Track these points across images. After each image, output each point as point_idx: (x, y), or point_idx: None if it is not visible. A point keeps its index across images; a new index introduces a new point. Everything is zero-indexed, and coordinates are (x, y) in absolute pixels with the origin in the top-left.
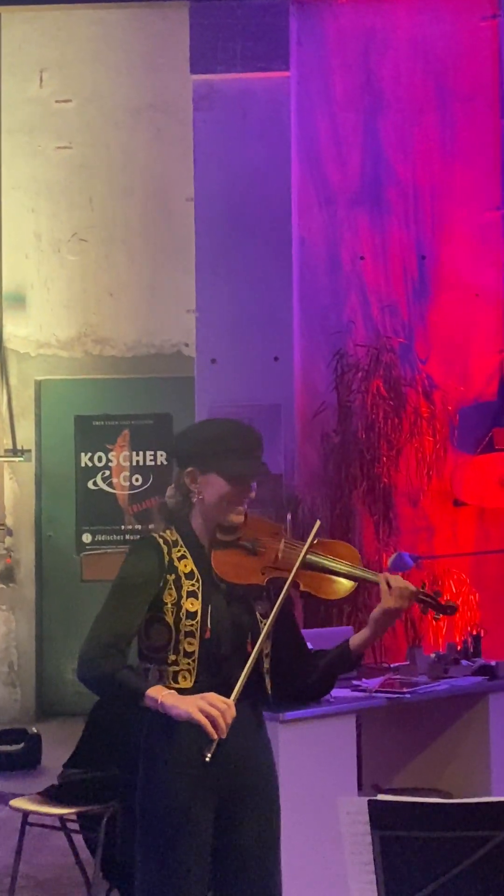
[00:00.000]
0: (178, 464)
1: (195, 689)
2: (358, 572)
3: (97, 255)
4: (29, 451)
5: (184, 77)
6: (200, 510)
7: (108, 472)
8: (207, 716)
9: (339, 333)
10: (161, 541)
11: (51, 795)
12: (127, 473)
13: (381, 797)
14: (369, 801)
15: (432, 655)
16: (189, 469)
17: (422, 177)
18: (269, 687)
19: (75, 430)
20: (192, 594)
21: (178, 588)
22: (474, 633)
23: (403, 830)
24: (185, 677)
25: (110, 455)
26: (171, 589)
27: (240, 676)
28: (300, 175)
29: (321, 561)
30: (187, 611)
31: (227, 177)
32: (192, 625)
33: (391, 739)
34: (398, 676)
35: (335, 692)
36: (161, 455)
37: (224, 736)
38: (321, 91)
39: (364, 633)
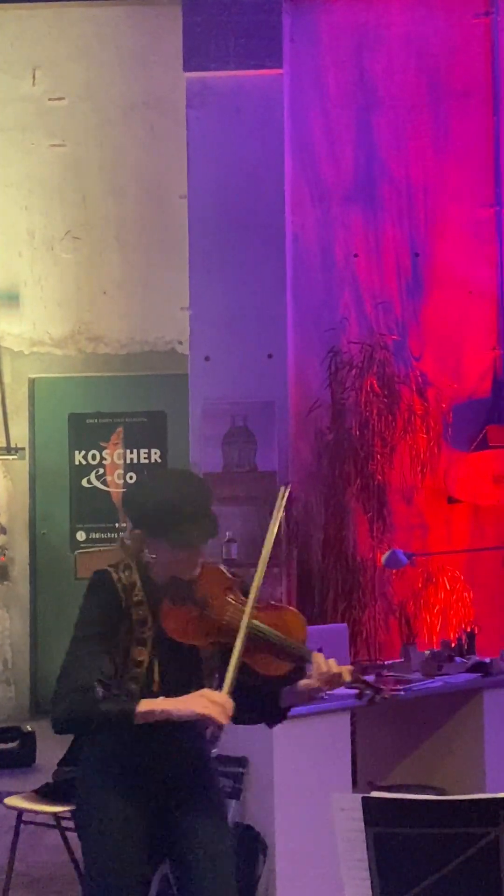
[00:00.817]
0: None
1: (136, 729)
2: (296, 651)
3: (91, 252)
4: (23, 448)
5: (177, 74)
6: (156, 566)
7: (101, 470)
8: (214, 710)
9: (332, 330)
10: (119, 586)
11: (45, 793)
12: (121, 471)
13: (374, 794)
14: (363, 798)
15: (427, 653)
16: (137, 532)
17: (415, 174)
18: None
19: (69, 428)
20: (140, 643)
21: (129, 634)
22: (468, 630)
23: (397, 827)
24: (155, 682)
25: (104, 453)
26: (121, 634)
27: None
28: (293, 172)
29: (263, 635)
30: (134, 658)
31: (221, 174)
32: (137, 672)
33: (386, 736)
34: (392, 673)
35: None
36: (155, 453)
37: (226, 722)
38: (314, 88)
39: (291, 693)
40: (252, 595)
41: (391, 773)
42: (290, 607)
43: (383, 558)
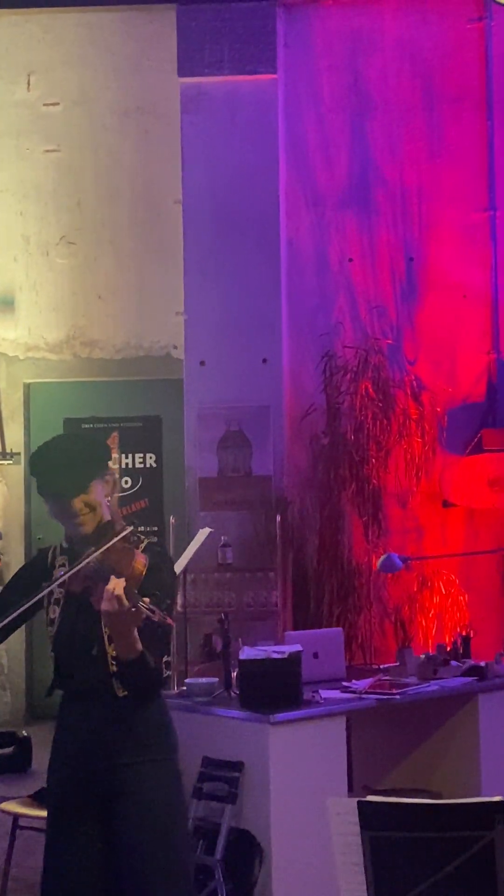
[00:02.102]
0: None
1: (56, 685)
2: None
3: (86, 257)
4: (18, 454)
5: (171, 80)
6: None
7: None
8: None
9: (327, 335)
10: (51, 550)
11: (41, 798)
12: (116, 476)
13: (370, 798)
14: (359, 803)
15: (422, 656)
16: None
17: (409, 178)
18: (117, 688)
19: (64, 433)
20: (55, 602)
21: (50, 595)
22: (464, 633)
23: (393, 831)
24: (55, 674)
25: None
26: (45, 597)
27: (87, 678)
28: (288, 177)
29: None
30: (50, 618)
31: (215, 179)
32: (51, 631)
33: (381, 740)
34: (388, 677)
35: (325, 693)
36: (150, 457)
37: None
38: (308, 93)
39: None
40: (109, 543)
41: (387, 777)
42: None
43: (378, 562)
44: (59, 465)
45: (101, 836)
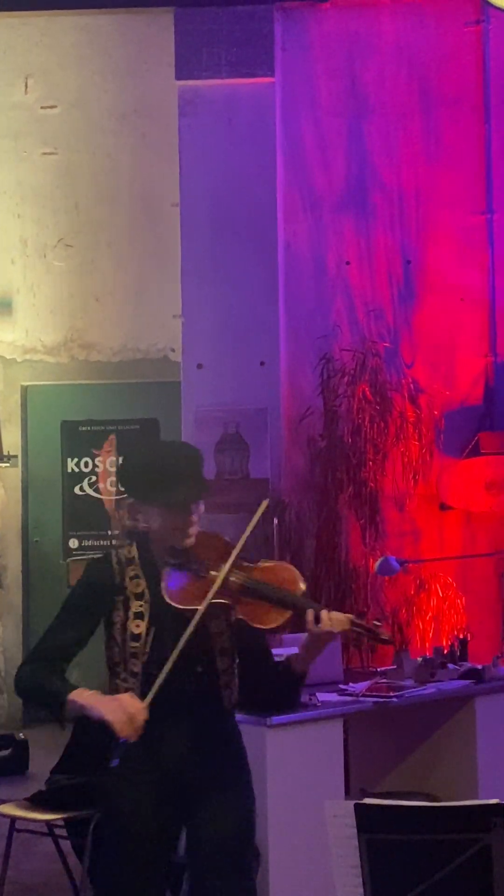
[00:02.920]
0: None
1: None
2: (291, 599)
3: (83, 260)
4: (15, 456)
5: (169, 83)
6: (152, 536)
7: (94, 478)
8: (118, 719)
9: (324, 338)
10: (115, 560)
11: (38, 801)
12: (113, 478)
13: (367, 801)
14: (356, 805)
15: (419, 659)
16: (130, 502)
17: (407, 181)
18: (225, 701)
19: (62, 436)
20: (138, 615)
21: (126, 609)
22: (461, 636)
23: (390, 834)
24: (131, 696)
25: (97, 460)
26: (119, 609)
27: (189, 693)
28: (285, 180)
29: (258, 587)
30: (132, 632)
31: (213, 182)
32: (136, 647)
33: (378, 743)
34: (385, 680)
35: (322, 696)
36: None
37: (133, 739)
38: (306, 96)
39: (298, 655)
40: (235, 552)
41: (384, 780)
42: (284, 563)
43: (376, 565)
44: (195, 470)
45: (167, 856)
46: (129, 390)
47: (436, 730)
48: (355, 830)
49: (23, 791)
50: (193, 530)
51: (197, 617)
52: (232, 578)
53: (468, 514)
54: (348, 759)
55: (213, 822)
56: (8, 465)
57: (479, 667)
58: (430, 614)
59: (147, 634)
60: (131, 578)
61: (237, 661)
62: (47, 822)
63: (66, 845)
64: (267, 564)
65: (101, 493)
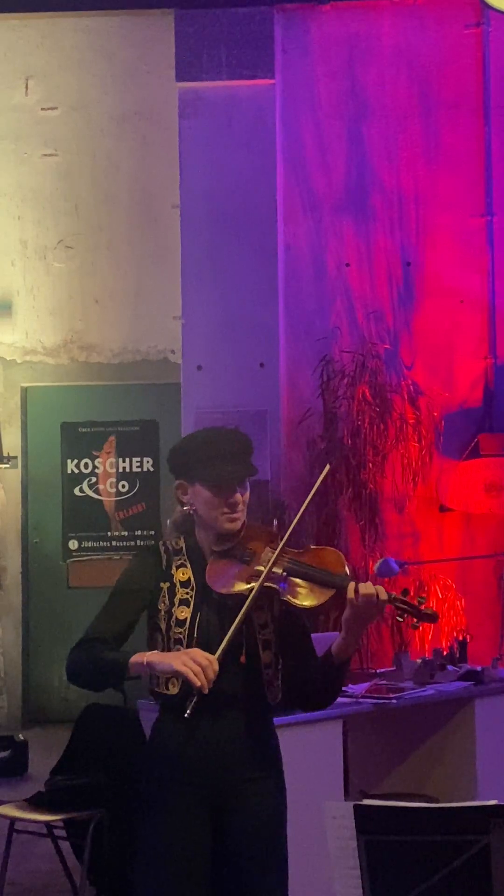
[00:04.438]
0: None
1: (181, 697)
2: (334, 579)
3: (83, 261)
4: (15, 457)
5: (169, 85)
6: (198, 521)
7: (94, 479)
8: (191, 669)
9: (324, 340)
10: (163, 549)
11: (37, 802)
12: (113, 480)
13: (366, 802)
14: (355, 806)
15: (418, 661)
16: (178, 482)
17: (407, 183)
18: (269, 697)
19: (62, 437)
20: (184, 602)
21: (172, 596)
22: (460, 638)
23: (389, 835)
24: (173, 683)
25: (97, 462)
26: (164, 596)
27: (233, 687)
28: (285, 182)
29: (302, 569)
30: (177, 618)
31: (213, 184)
32: (180, 632)
33: (378, 745)
34: (384, 682)
35: None
36: (147, 462)
37: (206, 690)
38: (306, 98)
39: (340, 638)
40: (285, 535)
41: (383, 782)
42: (329, 547)
43: (375, 566)
44: (241, 451)
45: (209, 848)
46: (129, 392)
47: (435, 731)
48: (354, 832)
49: (22, 792)
50: (238, 514)
51: (248, 602)
52: (277, 563)
53: (468, 516)
54: (347, 760)
55: (247, 811)
56: (8, 466)
57: (479, 668)
58: None
59: (192, 620)
60: (178, 567)
61: (281, 661)
62: (47, 823)
63: (65, 846)
64: (313, 548)
65: (100, 495)
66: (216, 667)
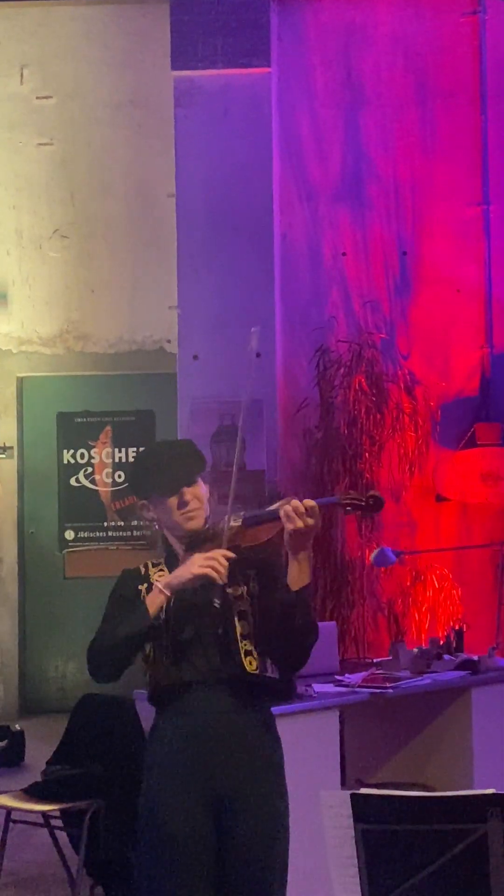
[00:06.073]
0: None
1: (162, 677)
2: (270, 513)
3: (79, 251)
4: (11, 448)
5: (165, 73)
6: (167, 532)
7: (90, 469)
8: (209, 566)
9: (320, 329)
10: (143, 568)
11: (34, 792)
12: (109, 470)
13: (363, 791)
14: (351, 795)
15: (415, 650)
16: (139, 503)
17: (403, 173)
18: (248, 666)
19: (57, 427)
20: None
21: (149, 586)
22: (457, 627)
23: (386, 824)
24: (155, 667)
25: (93, 452)
26: (143, 597)
27: (215, 661)
28: (281, 171)
29: (251, 517)
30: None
31: (209, 173)
32: (160, 616)
33: (374, 734)
34: (381, 671)
35: (318, 687)
36: None
37: (223, 580)
38: (302, 87)
39: (288, 568)
40: (230, 499)
41: (380, 771)
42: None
43: (372, 556)
44: (177, 455)
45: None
46: (125, 382)
47: (432, 720)
48: (351, 820)
49: (19, 782)
50: (196, 512)
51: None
52: (233, 523)
53: (464, 506)
54: (344, 749)
55: (247, 811)
56: (3, 456)
57: (475, 657)
58: (425, 605)
59: (167, 605)
60: (157, 573)
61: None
62: (43, 813)
63: (62, 836)
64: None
65: (96, 485)
66: (225, 556)
